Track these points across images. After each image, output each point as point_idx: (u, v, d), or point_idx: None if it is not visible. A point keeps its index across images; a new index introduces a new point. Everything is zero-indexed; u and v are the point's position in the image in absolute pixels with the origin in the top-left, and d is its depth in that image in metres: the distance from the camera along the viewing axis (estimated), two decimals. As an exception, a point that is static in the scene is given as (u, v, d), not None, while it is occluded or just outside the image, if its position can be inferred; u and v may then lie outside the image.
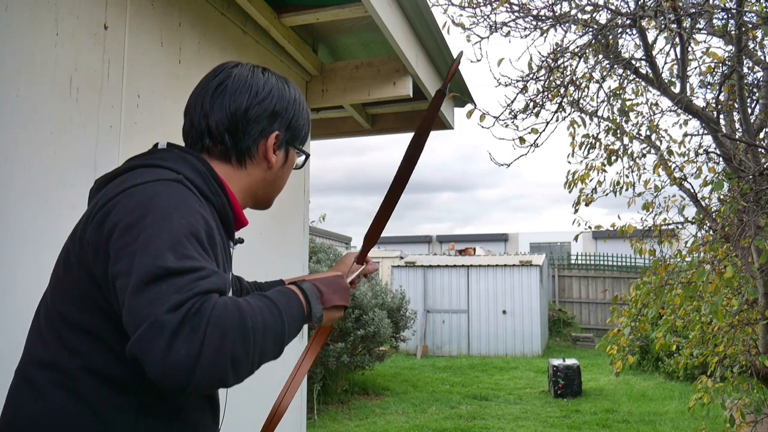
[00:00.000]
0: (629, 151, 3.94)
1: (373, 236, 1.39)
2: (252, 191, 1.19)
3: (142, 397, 0.96)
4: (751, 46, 3.24)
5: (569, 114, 3.65)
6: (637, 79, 3.64)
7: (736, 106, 3.13)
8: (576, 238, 4.13)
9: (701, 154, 3.83)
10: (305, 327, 3.36)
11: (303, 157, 1.26)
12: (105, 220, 0.94)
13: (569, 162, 4.05)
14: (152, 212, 0.91)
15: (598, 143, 3.96)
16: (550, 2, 3.11)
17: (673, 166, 3.84)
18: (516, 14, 3.17)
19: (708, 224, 3.52)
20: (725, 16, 3.17)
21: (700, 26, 3.26)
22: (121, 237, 0.90)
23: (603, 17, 3.14)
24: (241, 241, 1.20)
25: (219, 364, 0.82)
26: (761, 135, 3.30)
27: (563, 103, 3.46)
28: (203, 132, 1.13)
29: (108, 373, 0.95)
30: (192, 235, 0.91)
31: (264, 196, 1.22)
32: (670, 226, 3.99)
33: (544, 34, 3.20)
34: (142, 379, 0.90)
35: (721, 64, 3.47)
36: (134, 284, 0.84)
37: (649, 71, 3.11)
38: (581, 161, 4.06)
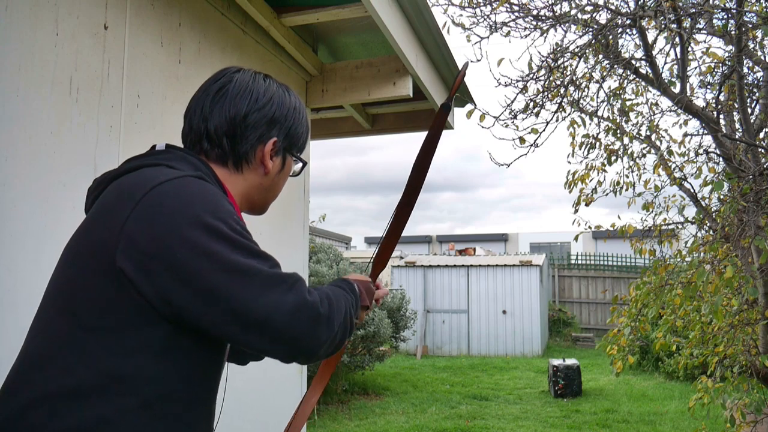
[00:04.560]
0: (629, 151, 3.95)
1: (382, 260, 1.43)
2: (248, 196, 1.20)
3: (144, 397, 0.95)
4: (751, 46, 3.24)
5: (569, 114, 3.65)
6: (637, 79, 3.64)
7: (736, 106, 3.13)
8: (576, 238, 4.13)
9: (701, 154, 3.83)
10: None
11: (300, 165, 1.27)
12: (142, 222, 0.94)
13: (569, 162, 4.06)
14: (202, 216, 0.96)
15: (598, 143, 3.97)
16: (550, 2, 3.11)
17: (673, 166, 3.84)
18: (516, 14, 3.17)
19: (708, 224, 3.52)
20: (725, 16, 3.17)
21: (700, 26, 3.26)
22: (181, 249, 0.93)
23: (603, 17, 3.14)
24: None
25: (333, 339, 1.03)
26: (761, 135, 3.30)
27: (563, 103, 3.46)
28: (202, 135, 1.14)
29: (116, 373, 0.94)
30: (246, 232, 1.00)
31: (259, 202, 1.23)
32: (670, 226, 3.99)
33: (544, 34, 3.20)
34: (144, 378, 0.94)
35: (721, 64, 3.47)
36: (241, 295, 0.92)
37: (649, 71, 3.11)
38: (581, 161, 4.07)
